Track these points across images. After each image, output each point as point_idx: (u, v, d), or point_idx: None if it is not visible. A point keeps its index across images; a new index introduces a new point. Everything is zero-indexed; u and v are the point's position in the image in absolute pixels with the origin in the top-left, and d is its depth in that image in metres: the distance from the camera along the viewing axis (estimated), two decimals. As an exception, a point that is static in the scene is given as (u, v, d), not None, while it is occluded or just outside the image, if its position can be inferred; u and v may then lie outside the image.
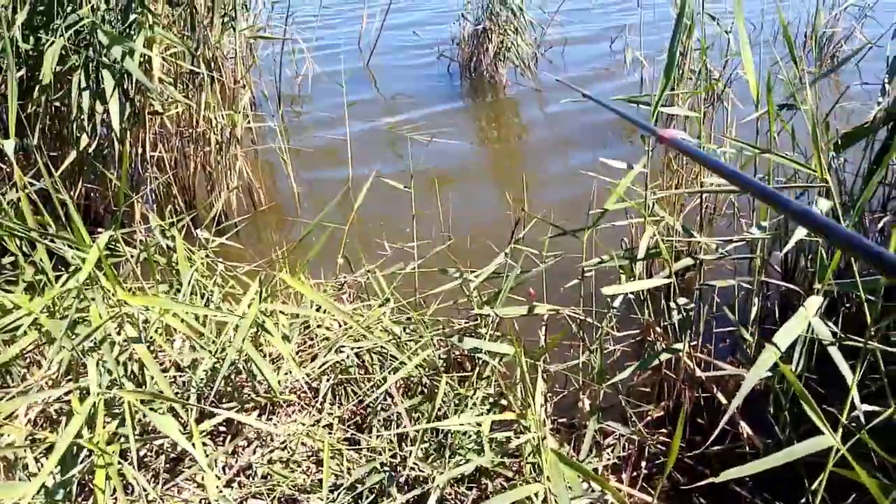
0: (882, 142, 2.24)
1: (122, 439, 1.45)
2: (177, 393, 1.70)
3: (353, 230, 3.19)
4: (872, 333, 1.43)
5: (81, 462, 1.43)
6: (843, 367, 1.36)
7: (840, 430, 1.27)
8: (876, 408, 1.38)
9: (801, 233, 1.40)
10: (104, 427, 1.38)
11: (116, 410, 1.51)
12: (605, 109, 1.19)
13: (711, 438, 1.47)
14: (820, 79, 2.13)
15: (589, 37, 6.72)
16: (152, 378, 1.54)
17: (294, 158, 4.32)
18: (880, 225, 2.05)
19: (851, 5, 4.64)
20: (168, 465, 1.62)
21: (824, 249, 1.53)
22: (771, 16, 5.44)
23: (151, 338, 1.51)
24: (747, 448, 1.78)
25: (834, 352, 1.40)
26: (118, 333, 1.50)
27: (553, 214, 3.07)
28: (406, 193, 2.54)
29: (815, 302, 1.43)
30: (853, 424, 1.45)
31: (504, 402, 1.79)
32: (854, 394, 1.33)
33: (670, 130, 0.92)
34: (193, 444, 1.36)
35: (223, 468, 1.65)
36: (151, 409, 1.54)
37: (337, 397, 1.86)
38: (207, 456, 1.58)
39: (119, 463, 1.33)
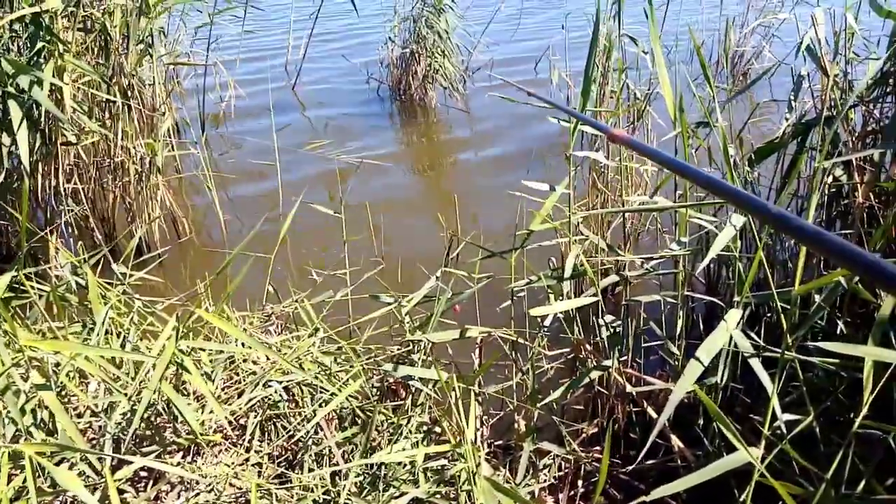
0: (792, 156, 2.34)
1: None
2: (92, 439, 1.61)
3: (284, 258, 3.13)
4: (790, 343, 1.47)
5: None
6: (764, 377, 1.40)
7: (763, 440, 1.29)
8: (796, 416, 1.41)
9: (717, 247, 1.44)
10: (9, 482, 1.29)
11: (24, 462, 1.41)
12: (532, 127, 1.20)
13: (643, 453, 1.48)
14: (732, 99, 2.21)
15: (515, 59, 6.85)
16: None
17: (220, 186, 4.23)
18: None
19: (759, 25, 4.87)
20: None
21: (741, 263, 1.58)
22: (686, 36, 5.67)
23: (62, 383, 1.43)
24: (679, 461, 1.81)
25: (755, 363, 1.44)
26: (25, 380, 1.41)
27: (485, 235, 3.09)
28: (337, 218, 2.50)
29: (734, 315, 1.46)
30: (777, 432, 1.49)
31: (438, 428, 1.77)
32: (775, 404, 1.36)
33: (621, 130, 0.92)
34: (108, 496, 1.28)
35: (145, 516, 1.57)
36: (63, 458, 1.45)
37: (266, 434, 1.80)
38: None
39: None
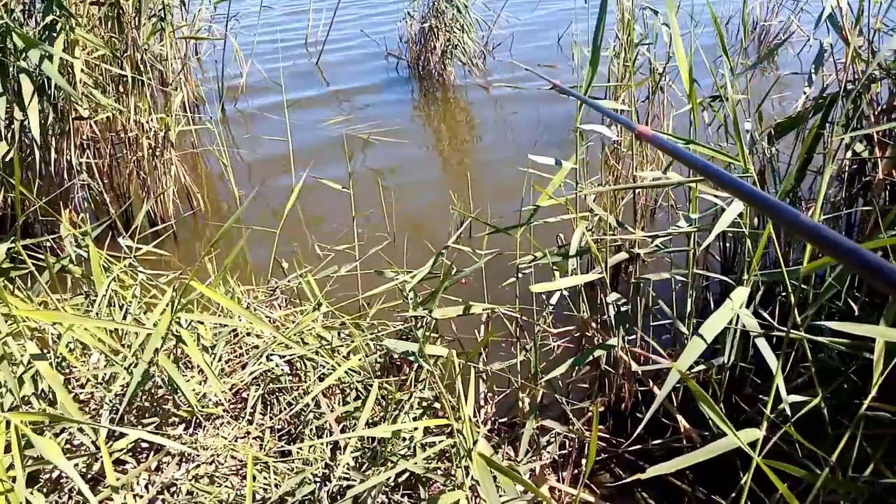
0: (810, 130, 2.26)
1: (31, 461, 1.37)
2: (94, 409, 1.62)
3: (297, 233, 3.13)
4: (799, 322, 1.43)
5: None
6: (769, 356, 1.36)
7: (765, 422, 1.26)
8: (803, 398, 1.37)
9: (722, 225, 1.39)
10: (7, 451, 1.30)
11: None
12: (551, 104, 1.16)
13: (639, 430, 1.45)
14: (747, 71, 2.13)
15: (536, 34, 6.74)
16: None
17: (237, 160, 4.23)
18: (809, 213, 2.06)
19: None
20: (88, 485, 1.54)
21: (750, 241, 1.53)
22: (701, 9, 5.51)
23: (61, 354, 1.43)
24: (685, 442, 1.78)
25: (761, 343, 1.39)
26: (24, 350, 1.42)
27: (498, 212, 3.05)
28: (358, 191, 2.48)
29: (741, 293, 1.42)
30: (782, 416, 1.45)
31: (438, 404, 1.75)
32: (779, 382, 1.32)
33: (647, 127, 0.88)
34: (101, 467, 1.29)
35: (146, 486, 1.58)
36: (64, 429, 1.47)
37: (269, 407, 1.80)
38: (126, 474, 1.50)
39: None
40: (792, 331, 1.31)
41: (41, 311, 1.30)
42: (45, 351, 1.45)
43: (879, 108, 2.01)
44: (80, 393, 1.62)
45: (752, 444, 1.27)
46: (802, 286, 1.88)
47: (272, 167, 4.20)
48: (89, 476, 1.53)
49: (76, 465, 1.51)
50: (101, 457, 1.48)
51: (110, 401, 1.47)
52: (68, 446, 1.56)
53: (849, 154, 1.86)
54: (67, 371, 1.58)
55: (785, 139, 2.29)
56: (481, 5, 5.78)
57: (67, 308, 1.54)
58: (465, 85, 5.63)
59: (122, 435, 1.52)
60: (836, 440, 1.41)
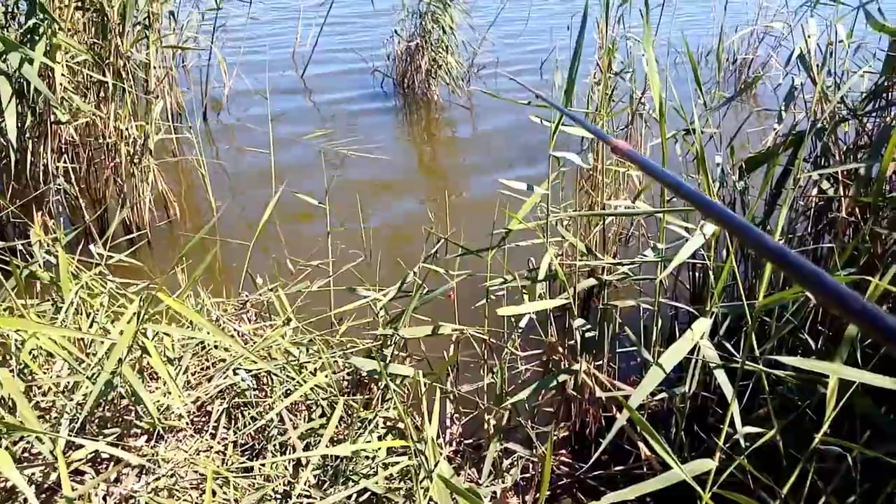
0: (783, 166, 2.31)
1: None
2: (56, 418, 1.61)
3: (274, 245, 3.12)
4: (757, 354, 1.46)
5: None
6: (726, 386, 1.38)
7: (718, 453, 1.28)
8: (758, 429, 1.40)
9: (683, 256, 1.42)
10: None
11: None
12: (534, 126, 1.18)
13: (594, 457, 1.47)
14: (721, 106, 2.18)
15: (520, 59, 6.82)
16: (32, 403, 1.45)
17: (218, 171, 4.23)
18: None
19: (766, 34, 4.83)
20: (44, 496, 1.53)
21: (712, 273, 1.56)
22: (697, 41, 5.61)
23: (23, 361, 1.42)
24: (646, 468, 1.79)
25: (719, 373, 1.42)
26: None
27: (475, 234, 3.07)
28: (337, 207, 2.49)
29: (702, 324, 1.45)
30: (746, 444, 1.48)
31: (402, 424, 1.76)
32: (735, 414, 1.34)
33: (623, 141, 0.89)
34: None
35: (104, 497, 1.57)
36: (16, 435, 1.45)
37: (233, 421, 1.79)
38: (84, 484, 1.49)
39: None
40: (748, 363, 1.34)
41: (3, 318, 1.30)
42: (8, 357, 1.44)
43: (846, 148, 2.07)
44: (42, 401, 1.61)
45: (711, 473, 1.30)
46: (765, 319, 1.92)
47: (253, 178, 4.19)
48: (46, 486, 1.51)
49: (33, 473, 1.49)
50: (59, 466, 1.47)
51: (71, 410, 1.46)
52: (27, 455, 1.55)
53: (815, 191, 1.91)
54: (30, 378, 1.57)
55: (761, 173, 2.35)
56: (469, 28, 5.84)
57: (32, 315, 1.53)
58: (449, 104, 5.68)
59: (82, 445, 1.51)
60: (791, 473, 1.43)
